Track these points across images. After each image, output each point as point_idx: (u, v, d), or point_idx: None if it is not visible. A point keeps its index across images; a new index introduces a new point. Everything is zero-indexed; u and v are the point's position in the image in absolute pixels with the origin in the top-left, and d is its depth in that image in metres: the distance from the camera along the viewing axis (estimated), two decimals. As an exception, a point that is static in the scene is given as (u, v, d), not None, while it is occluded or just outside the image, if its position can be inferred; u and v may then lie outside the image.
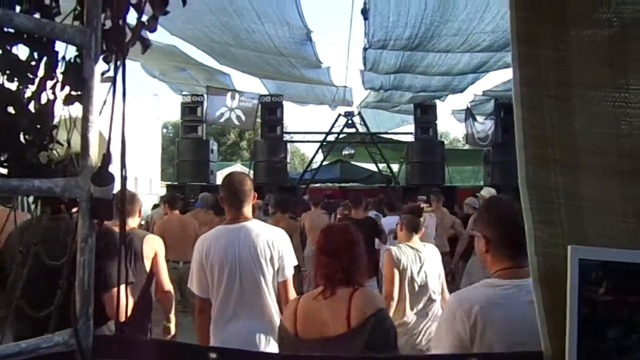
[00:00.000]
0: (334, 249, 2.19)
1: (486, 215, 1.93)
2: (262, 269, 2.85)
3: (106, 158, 1.10)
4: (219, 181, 14.47)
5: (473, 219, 1.90)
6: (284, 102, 13.46)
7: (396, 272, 3.52)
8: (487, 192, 7.21)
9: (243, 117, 13.36)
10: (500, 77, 12.14)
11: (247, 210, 3.00)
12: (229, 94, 13.28)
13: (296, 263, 3.06)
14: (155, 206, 10.47)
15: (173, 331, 3.72)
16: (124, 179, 1.20)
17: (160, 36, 7.93)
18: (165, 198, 7.31)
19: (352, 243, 2.21)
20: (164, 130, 39.40)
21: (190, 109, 12.94)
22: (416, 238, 3.75)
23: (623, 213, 1.26)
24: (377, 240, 6.19)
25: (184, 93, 13.38)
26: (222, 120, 13.48)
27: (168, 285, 3.61)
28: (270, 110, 13.18)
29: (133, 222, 3.59)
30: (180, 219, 6.68)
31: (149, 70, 11.72)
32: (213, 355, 1.16)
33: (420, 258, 3.62)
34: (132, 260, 3.25)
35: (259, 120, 13.56)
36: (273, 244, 2.90)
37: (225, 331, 2.81)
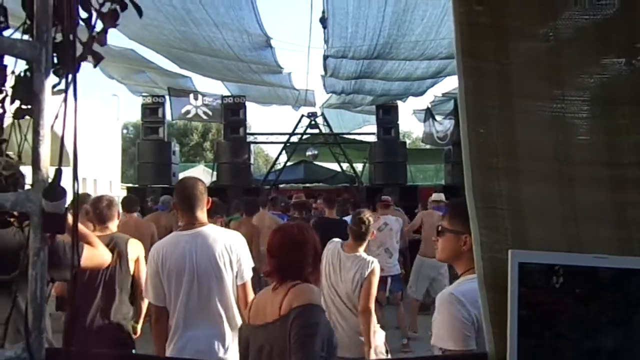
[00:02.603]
0: (279, 248, 2.24)
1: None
2: (221, 274, 2.84)
3: (58, 173, 1.10)
4: (181, 183, 14.30)
5: (450, 217, 1.93)
6: (247, 103, 13.40)
7: None
8: (438, 196, 7.74)
9: (210, 113, 13.37)
10: (458, 80, 12.36)
11: (202, 214, 2.97)
12: (192, 95, 13.19)
13: (253, 265, 3.06)
14: None
15: (138, 332, 3.77)
16: (76, 193, 1.20)
17: (117, 40, 7.74)
18: (122, 201, 7.08)
19: (299, 242, 2.23)
20: (124, 131, 38.68)
21: (151, 110, 12.70)
22: (361, 248, 3.79)
23: (562, 217, 1.34)
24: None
25: (144, 94, 13.14)
26: (189, 116, 13.43)
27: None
28: (232, 111, 13.08)
29: (113, 226, 3.64)
30: (137, 223, 6.43)
31: (107, 72, 11.47)
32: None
33: (338, 264, 3.72)
34: (119, 261, 3.39)
35: (223, 120, 13.47)
36: (231, 248, 2.90)
37: (184, 338, 2.78)
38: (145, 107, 12.72)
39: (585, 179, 1.32)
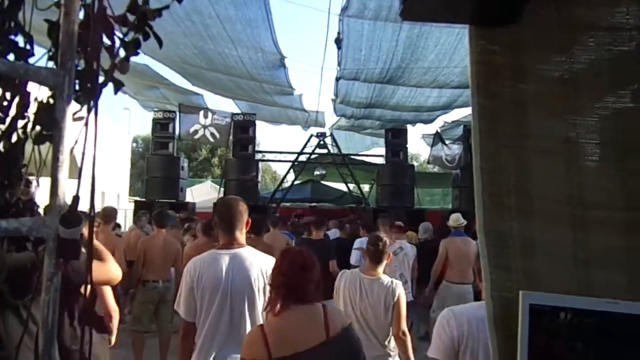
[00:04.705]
0: (292, 269, 2.27)
1: None
2: (254, 298, 2.85)
3: (75, 200, 1.12)
4: (188, 198, 14.36)
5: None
6: (257, 121, 13.51)
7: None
8: (457, 218, 7.05)
9: (217, 135, 13.45)
10: (469, 110, 12.38)
11: (240, 235, 3.01)
12: (202, 112, 13.31)
13: None
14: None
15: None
16: (92, 217, 1.21)
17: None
18: (154, 216, 6.97)
19: (310, 265, 2.30)
20: (134, 145, 38.91)
21: (161, 125, 12.84)
22: (379, 269, 3.72)
23: (574, 259, 1.33)
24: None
25: (155, 109, 13.29)
26: (196, 136, 13.54)
27: (113, 307, 3.44)
28: (242, 129, 13.19)
29: None
30: (165, 239, 6.46)
31: (120, 86, 11.66)
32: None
33: (363, 290, 3.60)
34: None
35: (232, 138, 13.55)
36: (266, 273, 2.87)
37: (210, 356, 2.78)
38: (156, 122, 12.87)
39: (599, 223, 1.32)
